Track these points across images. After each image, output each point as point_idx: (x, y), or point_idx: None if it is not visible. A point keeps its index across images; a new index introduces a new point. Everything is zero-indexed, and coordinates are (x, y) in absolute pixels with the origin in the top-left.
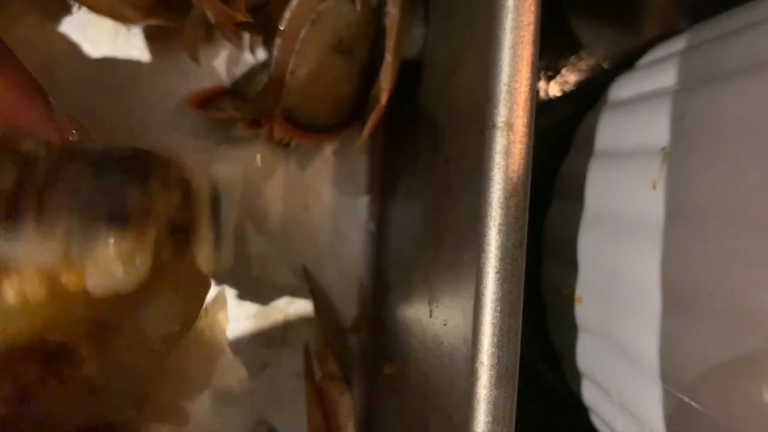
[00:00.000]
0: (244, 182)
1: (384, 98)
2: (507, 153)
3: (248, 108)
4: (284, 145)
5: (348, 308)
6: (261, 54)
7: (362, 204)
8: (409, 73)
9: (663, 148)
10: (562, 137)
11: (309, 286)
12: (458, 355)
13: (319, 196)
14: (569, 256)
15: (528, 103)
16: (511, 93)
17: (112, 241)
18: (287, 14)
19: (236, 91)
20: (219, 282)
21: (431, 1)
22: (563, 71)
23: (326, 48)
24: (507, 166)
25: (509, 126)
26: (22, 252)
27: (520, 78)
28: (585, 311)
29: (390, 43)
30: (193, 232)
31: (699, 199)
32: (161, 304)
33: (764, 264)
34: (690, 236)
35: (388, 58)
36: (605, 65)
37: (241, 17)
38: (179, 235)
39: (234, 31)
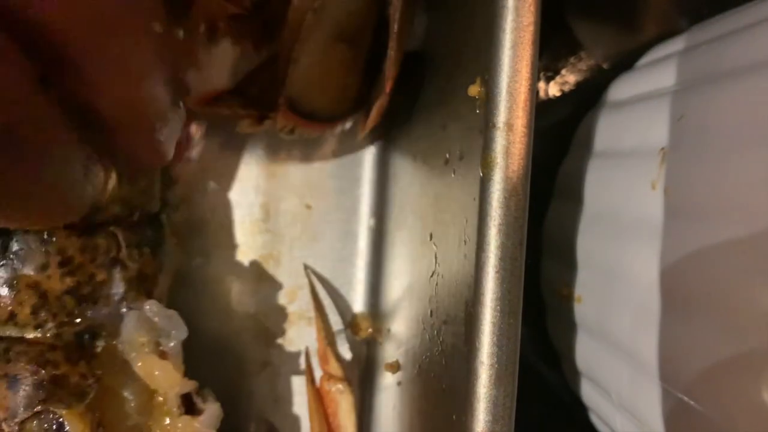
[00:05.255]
0: (244, 181)
1: (389, 86)
2: (507, 153)
3: (252, 105)
4: (288, 133)
5: (348, 308)
6: (264, 51)
7: (363, 203)
8: (411, 67)
9: (662, 148)
10: (561, 137)
11: (309, 285)
12: (458, 355)
13: (320, 195)
14: (568, 256)
15: (528, 103)
16: (511, 93)
17: None
18: (291, 3)
19: (240, 89)
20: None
21: None
22: (563, 71)
23: (329, 36)
24: (507, 166)
25: (509, 126)
26: None
27: (520, 78)
28: (584, 310)
29: (393, 31)
30: None
31: (698, 198)
32: None
33: (762, 263)
34: (689, 236)
35: (392, 47)
36: (605, 65)
37: (239, 9)
38: None
39: (237, 28)
